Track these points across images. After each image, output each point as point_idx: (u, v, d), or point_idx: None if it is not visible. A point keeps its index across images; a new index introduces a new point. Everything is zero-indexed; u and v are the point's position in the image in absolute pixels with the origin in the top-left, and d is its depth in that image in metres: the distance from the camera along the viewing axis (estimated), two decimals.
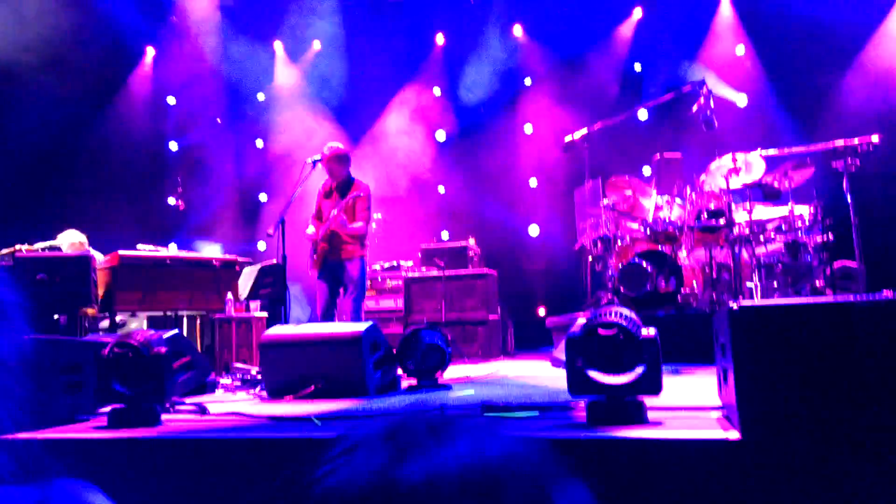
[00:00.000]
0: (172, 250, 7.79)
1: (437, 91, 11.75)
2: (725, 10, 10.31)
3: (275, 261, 6.11)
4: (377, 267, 8.56)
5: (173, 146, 11.61)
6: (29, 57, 9.10)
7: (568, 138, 8.04)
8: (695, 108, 7.33)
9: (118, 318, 6.98)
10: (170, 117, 11.61)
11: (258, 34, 11.46)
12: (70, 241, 7.58)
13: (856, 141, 6.85)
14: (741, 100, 10.37)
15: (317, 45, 11.51)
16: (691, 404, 3.60)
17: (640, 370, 2.97)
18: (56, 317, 6.28)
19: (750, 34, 10.22)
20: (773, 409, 2.55)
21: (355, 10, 11.03)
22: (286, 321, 5.82)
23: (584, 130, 7.91)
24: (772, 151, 7.31)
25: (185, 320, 7.53)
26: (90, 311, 6.41)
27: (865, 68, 9.32)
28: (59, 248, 7.36)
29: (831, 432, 2.48)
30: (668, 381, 4.00)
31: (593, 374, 3.10)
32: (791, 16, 9.53)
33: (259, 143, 11.79)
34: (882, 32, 9.46)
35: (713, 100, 7.35)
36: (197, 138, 11.63)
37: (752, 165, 7.13)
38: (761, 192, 7.28)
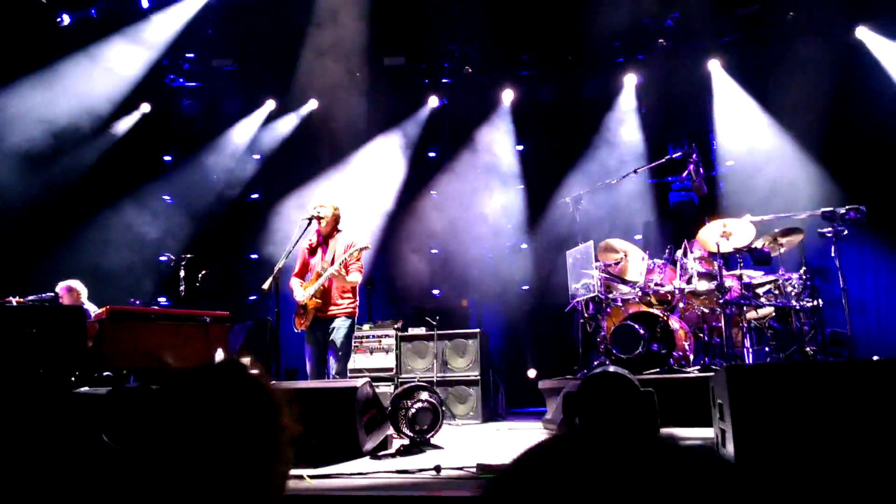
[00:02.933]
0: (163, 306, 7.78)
1: (431, 154, 11.92)
2: (718, 77, 10.55)
3: (269, 319, 6.06)
4: (368, 325, 8.52)
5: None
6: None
7: (560, 201, 8.16)
8: (685, 173, 7.46)
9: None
10: (166, 173, 11.67)
11: (254, 90, 11.64)
12: (68, 288, 7.66)
13: (842, 210, 6.96)
14: (729, 165, 10.57)
15: (313, 103, 11.68)
16: None
17: (638, 430, 2.97)
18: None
19: (742, 99, 10.43)
20: (776, 470, 2.54)
21: (352, 69, 11.21)
22: (278, 377, 5.76)
23: (577, 193, 8.03)
24: (761, 217, 7.42)
25: None
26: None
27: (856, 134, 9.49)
28: (54, 299, 7.35)
29: (836, 497, 2.47)
30: None
31: None
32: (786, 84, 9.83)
33: (253, 198, 11.86)
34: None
35: (702, 166, 7.50)
36: (192, 194, 11.70)
37: (742, 230, 7.22)
38: (751, 257, 7.37)
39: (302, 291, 6.25)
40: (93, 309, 7.15)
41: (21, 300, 7.01)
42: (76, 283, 7.83)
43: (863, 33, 9.52)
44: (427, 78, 11.74)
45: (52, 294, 7.43)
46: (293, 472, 3.75)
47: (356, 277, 6.26)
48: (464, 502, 2.99)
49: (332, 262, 6.15)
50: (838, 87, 9.54)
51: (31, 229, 9.46)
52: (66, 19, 9.80)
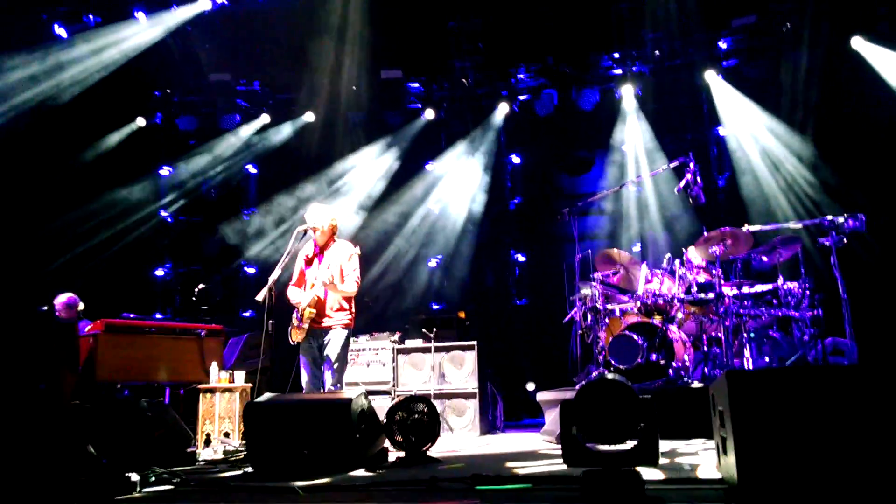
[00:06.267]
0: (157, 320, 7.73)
1: (430, 167, 11.89)
2: (716, 87, 10.51)
3: (267, 328, 5.97)
4: (365, 337, 8.45)
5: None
6: (25, 122, 9.22)
7: (558, 212, 8.11)
8: (682, 183, 7.42)
9: None
10: (162, 188, 11.64)
11: (251, 103, 11.63)
12: (66, 304, 7.62)
13: (841, 219, 6.90)
14: (726, 176, 10.55)
15: (310, 115, 11.65)
16: (689, 477, 3.50)
17: (636, 438, 2.89)
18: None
19: (740, 109, 10.39)
20: (778, 477, 2.47)
21: (349, 82, 11.19)
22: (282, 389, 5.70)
23: (574, 204, 7.99)
24: (760, 226, 7.37)
25: (167, 389, 7.39)
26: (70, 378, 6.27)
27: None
28: (47, 313, 7.29)
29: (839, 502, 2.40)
30: (664, 455, 3.91)
31: (589, 442, 3.02)
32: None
33: (250, 210, 11.84)
34: None
35: (700, 176, 7.45)
36: (188, 208, 11.69)
37: (741, 239, 7.18)
38: (750, 267, 7.32)
39: (303, 294, 6.17)
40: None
41: None
42: (74, 299, 7.77)
43: (858, 43, 9.51)
44: (424, 90, 11.72)
45: (45, 308, 7.36)
46: (287, 484, 3.69)
47: (351, 287, 6.18)
48: None
49: (327, 271, 6.09)
50: (835, 96, 9.53)
51: (24, 240, 9.41)
52: (63, 33, 9.78)
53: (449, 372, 8.06)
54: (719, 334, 6.91)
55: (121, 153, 10.91)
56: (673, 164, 7.94)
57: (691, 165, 7.43)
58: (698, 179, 7.41)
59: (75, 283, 8.44)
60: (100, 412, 3.69)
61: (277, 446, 4.61)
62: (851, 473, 2.41)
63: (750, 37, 10.23)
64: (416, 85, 11.65)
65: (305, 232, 6.26)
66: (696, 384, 6.45)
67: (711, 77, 10.46)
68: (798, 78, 9.83)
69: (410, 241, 11.58)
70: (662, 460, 3.06)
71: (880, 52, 9.40)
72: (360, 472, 4.45)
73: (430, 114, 11.70)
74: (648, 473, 3.15)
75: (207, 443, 6.49)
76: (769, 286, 7.05)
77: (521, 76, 11.48)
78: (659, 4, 10.18)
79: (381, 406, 6.92)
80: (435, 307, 11.28)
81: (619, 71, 11.02)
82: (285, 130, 11.74)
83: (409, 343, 8.35)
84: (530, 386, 10.17)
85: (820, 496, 2.43)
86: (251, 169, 12.10)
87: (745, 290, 6.99)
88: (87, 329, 6.87)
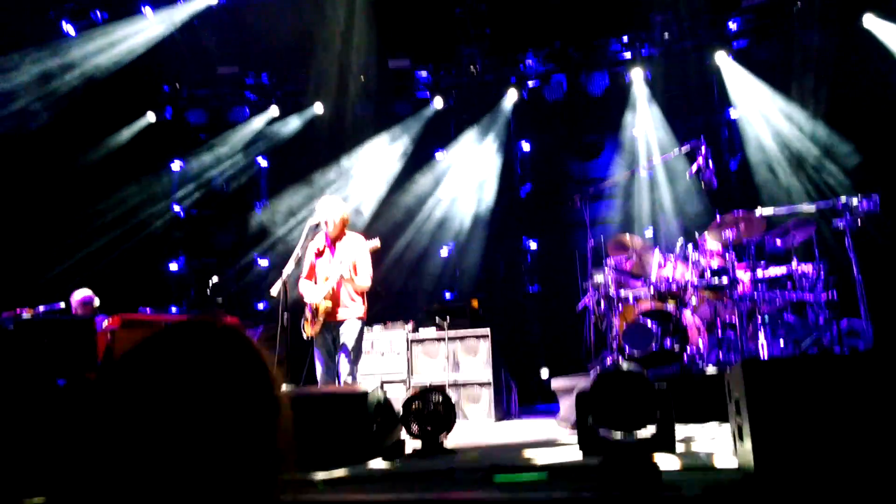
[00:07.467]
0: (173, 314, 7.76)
1: (439, 155, 11.88)
2: (727, 69, 10.42)
3: (282, 321, 5.99)
4: (379, 327, 8.48)
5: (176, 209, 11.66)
6: (36, 120, 9.27)
7: (569, 198, 8.08)
8: (694, 167, 7.38)
9: None
10: (174, 182, 11.70)
11: (259, 96, 11.64)
12: (83, 301, 7.66)
13: (854, 200, 6.85)
14: (738, 159, 10.49)
15: (319, 106, 11.64)
16: (705, 465, 3.51)
17: (653, 426, 2.90)
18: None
19: (751, 91, 10.30)
20: (794, 466, 2.47)
21: (357, 72, 11.19)
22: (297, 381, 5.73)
23: (586, 190, 7.96)
24: (773, 209, 7.33)
25: None
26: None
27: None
28: (64, 310, 7.35)
29: (855, 493, 2.40)
30: (679, 441, 3.91)
31: (605, 431, 3.03)
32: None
33: (261, 204, 11.89)
34: None
35: (712, 159, 7.40)
36: (200, 202, 11.75)
37: (754, 223, 7.13)
38: (764, 250, 7.28)
39: (314, 292, 6.19)
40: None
41: (31, 311, 7.01)
42: (90, 295, 7.83)
43: (870, 21, 9.40)
44: (432, 79, 11.70)
45: (62, 305, 7.41)
46: (306, 476, 3.72)
47: (366, 282, 6.19)
48: None
49: (341, 265, 6.11)
50: (848, 75, 9.44)
51: (39, 237, 9.49)
52: (71, 30, 9.82)
53: (463, 360, 8.09)
54: (734, 319, 6.88)
55: (132, 148, 10.97)
56: (684, 148, 7.88)
57: (703, 149, 7.37)
58: (710, 163, 7.35)
59: (90, 279, 8.51)
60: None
61: (295, 438, 4.64)
62: (869, 461, 2.41)
63: (760, 17, 10.15)
64: (425, 73, 11.62)
65: (317, 225, 6.27)
66: (710, 369, 6.43)
67: (722, 58, 10.38)
68: (810, 57, 9.74)
69: (422, 231, 11.59)
70: (678, 447, 3.07)
71: (892, 29, 9.30)
72: (378, 463, 4.49)
73: (438, 102, 11.68)
74: (665, 461, 3.16)
75: None
76: (783, 269, 7.01)
77: (530, 62, 11.43)
78: None
79: (397, 396, 6.97)
80: (447, 296, 11.30)
81: (627, 54, 10.96)
82: (295, 122, 11.76)
83: (423, 332, 8.38)
84: (544, 373, 10.19)
85: (837, 484, 2.43)
86: (262, 161, 12.12)
87: (759, 273, 6.95)
88: (104, 324, 6.92)
